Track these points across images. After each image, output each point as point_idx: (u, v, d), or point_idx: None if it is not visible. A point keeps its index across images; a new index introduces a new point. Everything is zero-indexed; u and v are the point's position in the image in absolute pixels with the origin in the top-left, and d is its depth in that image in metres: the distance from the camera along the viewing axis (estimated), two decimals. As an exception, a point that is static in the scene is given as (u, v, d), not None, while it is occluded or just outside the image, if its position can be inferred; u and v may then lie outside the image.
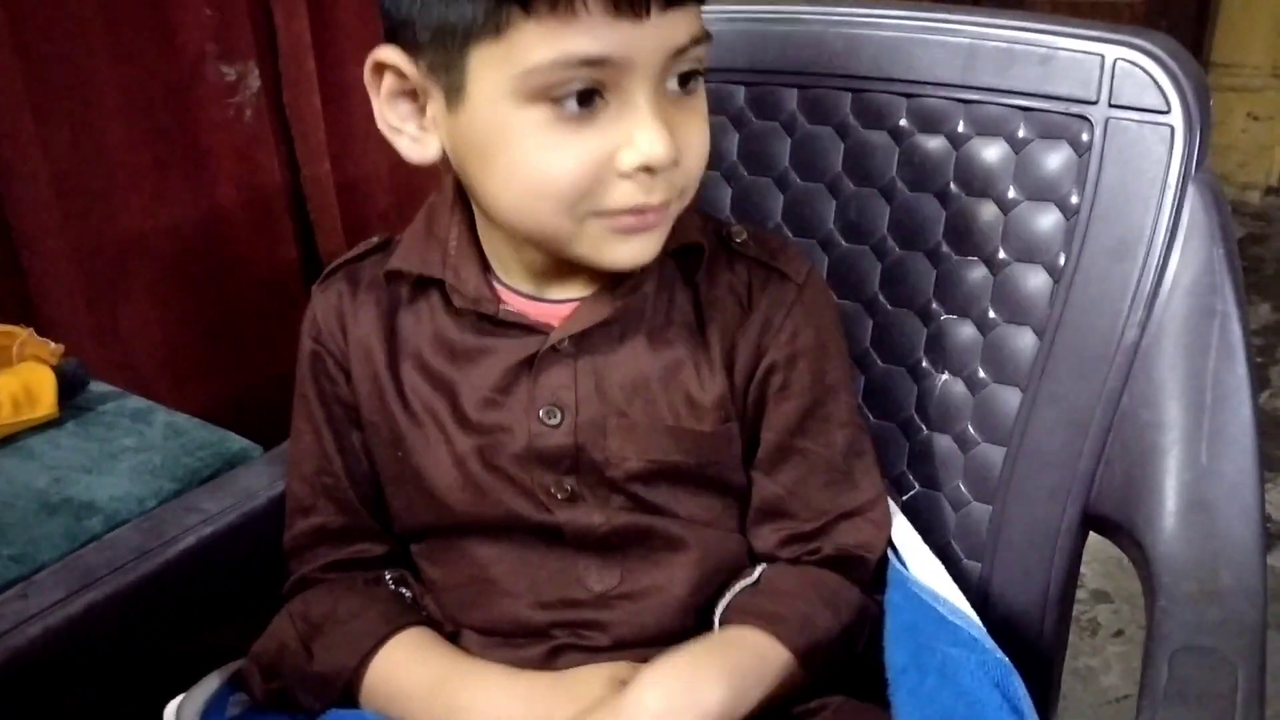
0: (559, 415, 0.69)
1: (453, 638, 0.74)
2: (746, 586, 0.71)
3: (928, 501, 0.81)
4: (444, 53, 0.61)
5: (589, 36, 0.57)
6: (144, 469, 1.09)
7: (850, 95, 0.83)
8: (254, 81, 1.56)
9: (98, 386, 1.22)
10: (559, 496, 0.70)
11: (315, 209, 1.64)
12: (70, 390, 1.17)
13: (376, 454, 0.75)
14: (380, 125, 0.66)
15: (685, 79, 0.63)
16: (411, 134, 0.66)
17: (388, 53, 0.64)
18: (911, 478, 0.82)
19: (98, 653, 0.69)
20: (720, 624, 0.70)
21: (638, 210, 0.63)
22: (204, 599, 0.76)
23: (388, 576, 0.76)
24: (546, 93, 0.59)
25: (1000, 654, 0.61)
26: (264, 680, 0.73)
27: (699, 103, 0.65)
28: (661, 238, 0.66)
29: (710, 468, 0.71)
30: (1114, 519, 0.73)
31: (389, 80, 0.65)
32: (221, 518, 0.76)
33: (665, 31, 0.59)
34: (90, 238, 1.38)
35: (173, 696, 0.75)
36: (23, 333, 1.19)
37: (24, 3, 1.24)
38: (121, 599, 0.68)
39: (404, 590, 0.75)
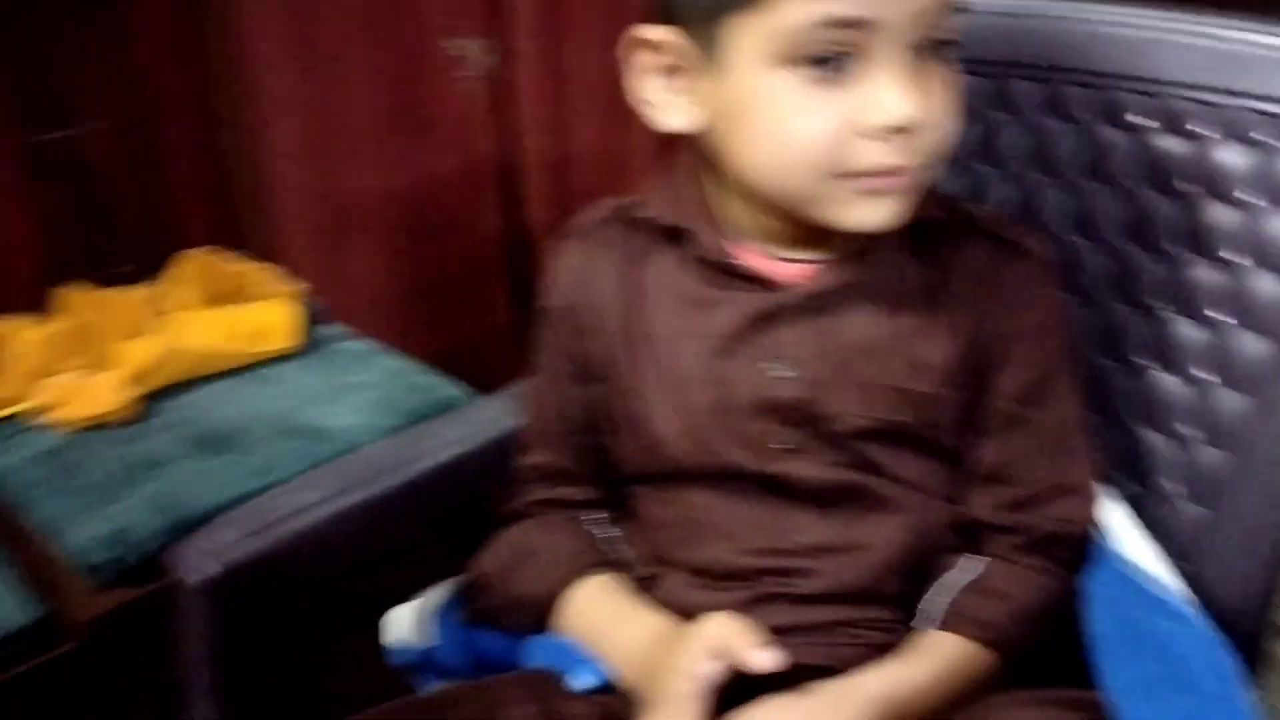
0: (789, 369, 0.72)
1: (652, 580, 0.78)
2: (967, 585, 0.72)
3: (1139, 498, 0.81)
4: (705, 25, 0.66)
5: (842, 3, 0.61)
6: (368, 404, 1.18)
7: (1091, 92, 0.84)
8: (480, 57, 1.64)
9: (330, 327, 1.32)
10: (780, 449, 0.73)
11: (528, 181, 1.72)
12: (308, 327, 1.28)
13: (609, 404, 0.79)
14: (633, 98, 0.72)
15: (934, 48, 0.66)
16: (665, 105, 0.71)
17: (651, 29, 0.69)
18: (1125, 474, 0.83)
19: (349, 552, 0.76)
20: (942, 625, 0.71)
21: (883, 172, 0.66)
22: (440, 516, 0.83)
23: (590, 518, 0.81)
24: (799, 55, 0.63)
25: (1211, 629, 0.62)
26: (476, 598, 0.80)
27: (947, 73, 0.67)
28: (905, 204, 0.68)
29: (931, 430, 0.73)
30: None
31: (647, 55, 0.70)
32: (460, 445, 0.82)
33: None
34: (327, 191, 1.49)
35: (402, 602, 0.82)
36: (270, 270, 1.31)
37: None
38: (379, 501, 0.76)
39: (602, 533, 0.80)
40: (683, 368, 0.75)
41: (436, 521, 0.85)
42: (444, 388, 1.23)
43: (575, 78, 1.74)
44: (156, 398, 1.16)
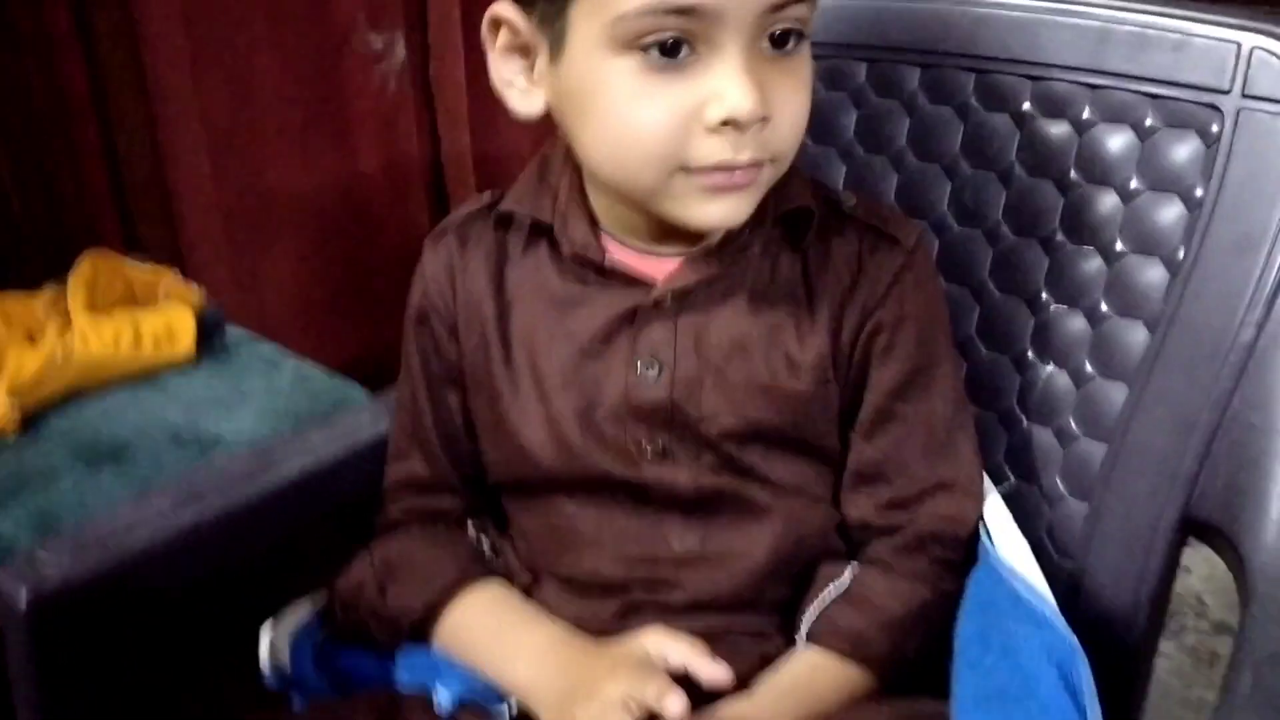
0: (657, 369, 0.70)
1: (531, 588, 0.75)
2: (838, 595, 0.70)
3: (1023, 494, 0.79)
4: (550, 5, 0.63)
5: None
6: (269, 411, 1.15)
7: (974, 76, 0.82)
8: (401, 51, 1.61)
9: (234, 331, 1.29)
10: (650, 452, 0.71)
11: (452, 178, 1.69)
12: (208, 333, 1.24)
13: (476, 409, 0.77)
14: (493, 78, 0.69)
15: (783, 39, 0.62)
16: (520, 88, 0.68)
17: (503, 8, 0.66)
18: (1008, 469, 0.81)
19: (202, 567, 0.73)
20: (809, 636, 0.69)
21: (724, 167, 0.62)
22: (303, 528, 0.80)
23: (470, 525, 0.78)
24: (636, 41, 0.60)
25: (1069, 635, 0.60)
26: (342, 614, 0.77)
27: (798, 65, 0.64)
28: (752, 201, 0.66)
29: (804, 429, 0.71)
30: (1214, 523, 0.71)
31: (503, 35, 0.67)
32: (326, 452, 0.79)
33: None
34: (238, 192, 1.46)
35: (267, 619, 0.79)
36: (169, 274, 1.27)
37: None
38: (226, 518, 0.73)
39: (483, 538, 0.78)
40: (550, 372, 0.73)
41: (307, 531, 0.81)
42: (350, 391, 1.20)
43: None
44: (50, 407, 1.12)
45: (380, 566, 0.76)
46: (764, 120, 0.62)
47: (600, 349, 0.72)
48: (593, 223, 0.72)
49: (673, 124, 0.62)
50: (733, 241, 0.70)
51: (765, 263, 0.71)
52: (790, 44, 0.63)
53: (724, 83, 0.60)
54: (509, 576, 0.76)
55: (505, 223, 0.76)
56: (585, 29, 0.62)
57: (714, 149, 0.62)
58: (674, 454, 0.71)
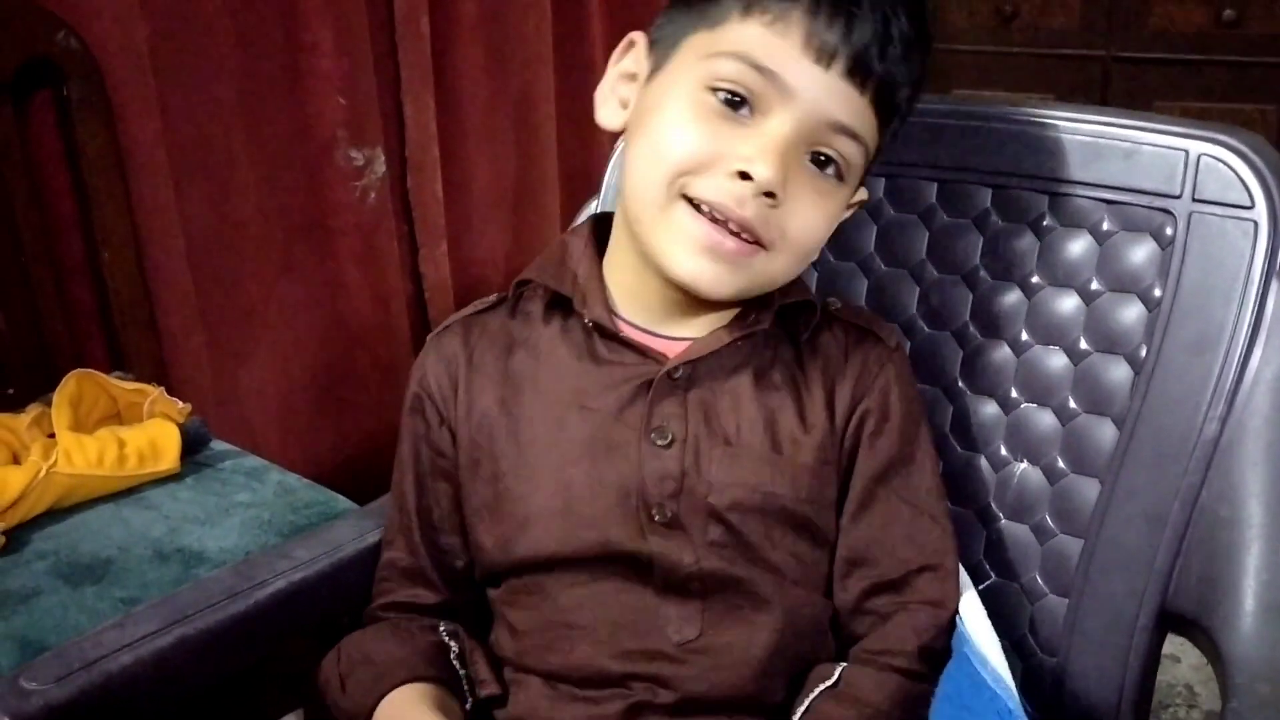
0: (668, 439, 0.73)
1: (506, 694, 0.75)
2: (827, 689, 0.71)
3: (1004, 592, 0.81)
4: (669, 42, 0.72)
5: (772, 51, 0.67)
6: (254, 524, 1.14)
7: (936, 185, 0.85)
8: (380, 166, 1.65)
9: (218, 445, 1.29)
10: (658, 520, 0.72)
11: (430, 288, 1.71)
12: (192, 447, 1.24)
13: (473, 493, 0.78)
14: (600, 88, 0.77)
15: (825, 163, 0.70)
16: (613, 106, 0.76)
17: (639, 35, 0.75)
18: (988, 567, 0.82)
19: (186, 686, 0.73)
20: None
21: (719, 216, 0.68)
22: (288, 643, 0.79)
23: (442, 628, 0.78)
24: (715, 80, 0.68)
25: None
26: (318, 710, 0.77)
27: (827, 189, 0.71)
28: (737, 277, 0.70)
29: (807, 506, 0.73)
30: (1191, 617, 0.72)
31: (627, 60, 0.75)
32: (311, 565, 0.80)
33: (833, 93, 0.67)
34: (220, 305, 1.47)
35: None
36: (154, 391, 1.27)
37: (171, 83, 1.34)
38: (211, 636, 0.72)
39: (452, 643, 0.77)
40: (562, 441, 0.75)
41: (292, 646, 0.81)
42: (333, 503, 1.19)
43: (476, 182, 1.75)
44: (33, 525, 1.12)
45: (344, 661, 0.76)
46: (773, 197, 0.67)
47: (613, 421, 0.74)
48: (608, 305, 0.76)
49: (701, 151, 0.68)
50: (739, 323, 0.74)
51: (768, 348, 0.76)
52: (829, 170, 0.70)
53: (758, 147, 0.67)
54: (474, 686, 0.76)
55: (519, 309, 0.79)
56: (685, 59, 0.70)
57: (720, 189, 0.68)
58: (681, 524, 0.72)
